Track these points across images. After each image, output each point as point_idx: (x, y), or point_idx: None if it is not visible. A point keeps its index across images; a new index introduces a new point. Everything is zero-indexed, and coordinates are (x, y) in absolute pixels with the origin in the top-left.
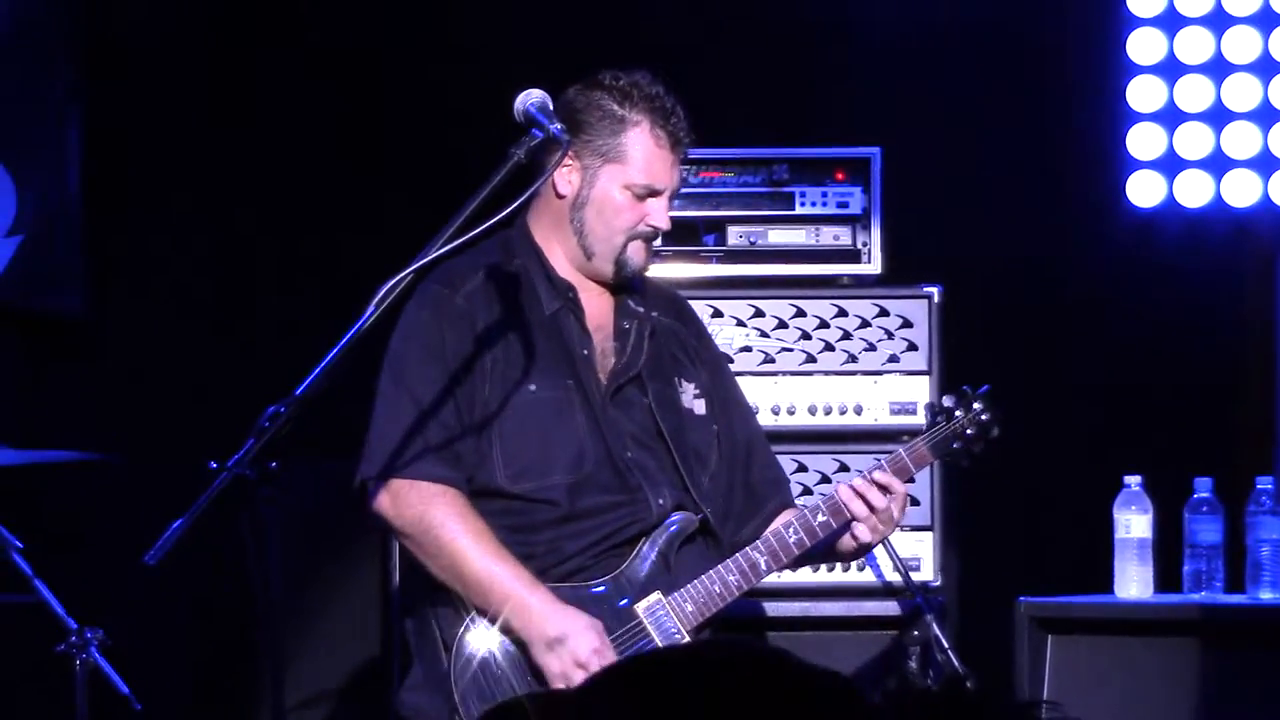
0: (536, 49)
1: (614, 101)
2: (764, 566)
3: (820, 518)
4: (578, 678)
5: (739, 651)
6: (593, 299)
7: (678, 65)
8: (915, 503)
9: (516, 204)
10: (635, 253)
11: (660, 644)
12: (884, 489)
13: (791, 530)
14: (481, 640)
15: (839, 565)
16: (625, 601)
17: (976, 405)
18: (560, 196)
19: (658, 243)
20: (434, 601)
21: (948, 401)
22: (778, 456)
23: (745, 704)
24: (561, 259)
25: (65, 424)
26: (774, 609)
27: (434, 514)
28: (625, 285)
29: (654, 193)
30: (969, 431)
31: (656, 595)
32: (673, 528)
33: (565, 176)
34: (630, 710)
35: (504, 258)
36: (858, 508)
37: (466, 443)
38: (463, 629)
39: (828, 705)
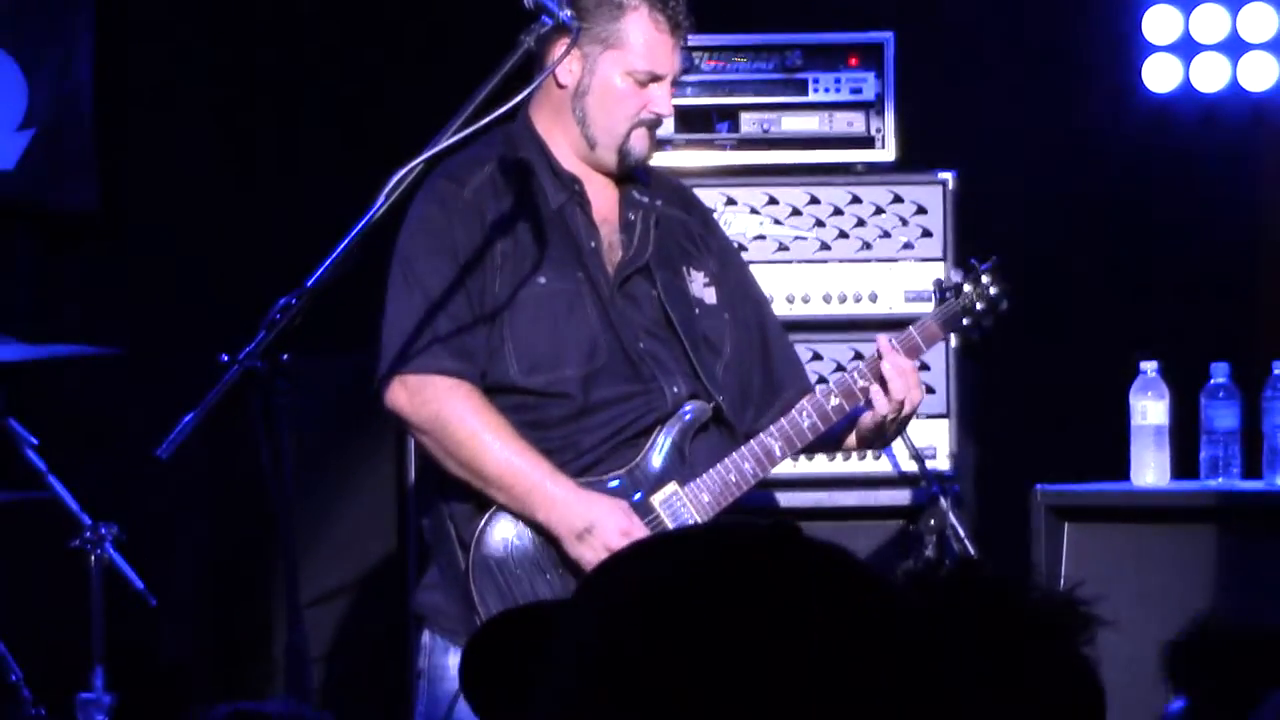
0: None
1: None
2: (779, 453)
3: (834, 400)
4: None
5: (761, 530)
6: (598, 191)
7: None
8: (930, 391)
9: (523, 95)
10: (638, 140)
11: None
12: (896, 368)
13: (805, 415)
14: (499, 538)
15: (854, 455)
16: (639, 495)
17: (985, 279)
18: (561, 86)
19: (670, 130)
20: (450, 498)
21: (955, 277)
22: (794, 345)
23: (769, 587)
24: (565, 151)
25: (78, 318)
26: (788, 499)
27: (450, 409)
28: (630, 176)
29: (655, 78)
30: (978, 306)
31: (673, 486)
32: (687, 416)
33: (566, 66)
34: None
35: (508, 151)
36: (873, 390)
37: (479, 337)
38: (480, 527)
39: (852, 587)
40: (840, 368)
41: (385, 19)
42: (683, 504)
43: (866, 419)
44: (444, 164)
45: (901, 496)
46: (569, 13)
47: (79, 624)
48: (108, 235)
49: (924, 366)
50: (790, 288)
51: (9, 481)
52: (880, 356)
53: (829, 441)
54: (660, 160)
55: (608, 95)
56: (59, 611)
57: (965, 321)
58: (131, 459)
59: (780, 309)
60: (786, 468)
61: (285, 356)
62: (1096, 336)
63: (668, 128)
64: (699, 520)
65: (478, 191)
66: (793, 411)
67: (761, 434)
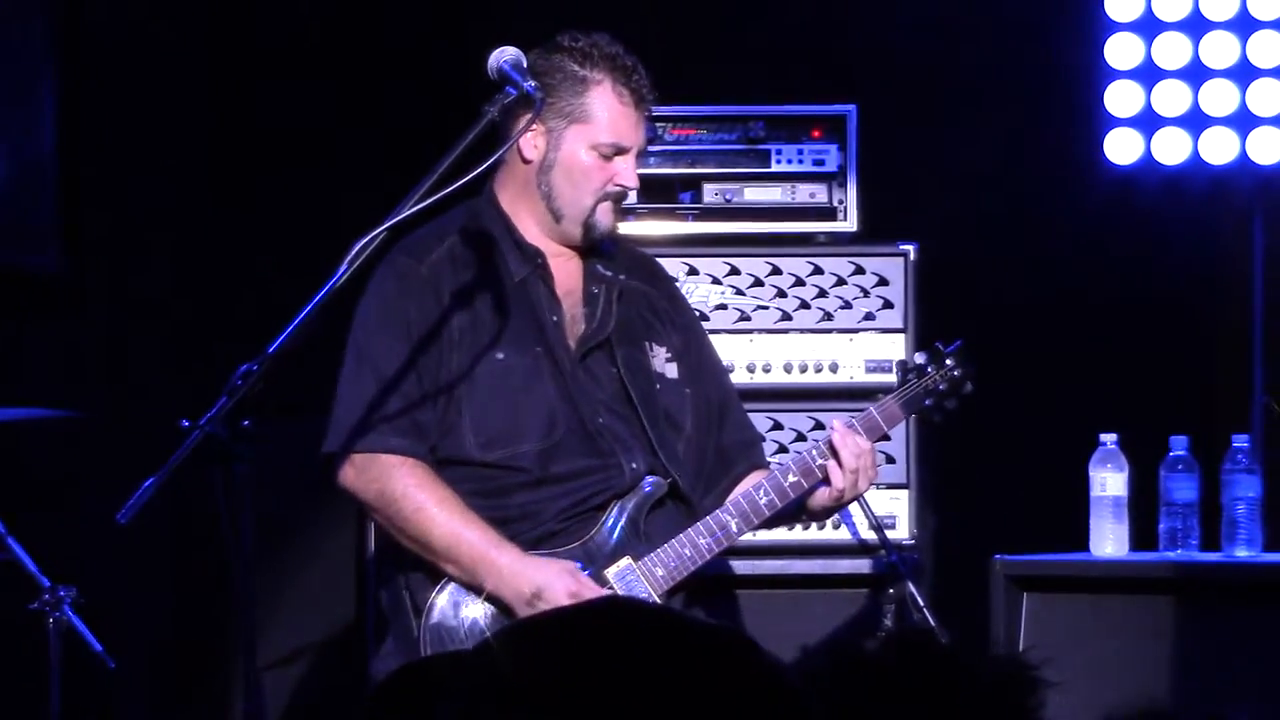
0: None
1: (574, 62)
2: (735, 529)
3: (791, 478)
4: None
5: (641, 611)
6: (561, 264)
7: (652, 22)
8: (891, 460)
9: (484, 166)
10: (604, 214)
11: None
12: (853, 448)
13: (762, 492)
14: (451, 606)
15: (814, 524)
16: (591, 570)
17: (949, 361)
18: (527, 161)
19: (633, 200)
20: (406, 568)
21: (919, 358)
22: (753, 414)
23: (646, 660)
24: (529, 225)
25: (40, 382)
26: (748, 567)
27: (395, 485)
28: (594, 248)
29: (620, 151)
30: (941, 387)
31: (627, 560)
32: (645, 490)
33: (530, 141)
34: (536, 666)
35: (471, 225)
36: (829, 467)
37: (430, 413)
38: (433, 595)
39: (729, 661)
40: (801, 437)
41: (347, 88)
42: (636, 578)
43: (822, 495)
44: (403, 239)
45: (861, 565)
46: (533, 83)
47: (37, 686)
48: (69, 299)
49: (884, 436)
50: (751, 357)
51: None
52: (834, 441)
53: (784, 517)
54: (623, 229)
55: (573, 169)
56: (17, 674)
57: (928, 403)
58: (91, 523)
59: (741, 378)
60: (747, 535)
61: (246, 422)
62: (1057, 408)
63: (630, 197)
64: (653, 593)
65: (435, 267)
66: (749, 488)
67: (718, 510)
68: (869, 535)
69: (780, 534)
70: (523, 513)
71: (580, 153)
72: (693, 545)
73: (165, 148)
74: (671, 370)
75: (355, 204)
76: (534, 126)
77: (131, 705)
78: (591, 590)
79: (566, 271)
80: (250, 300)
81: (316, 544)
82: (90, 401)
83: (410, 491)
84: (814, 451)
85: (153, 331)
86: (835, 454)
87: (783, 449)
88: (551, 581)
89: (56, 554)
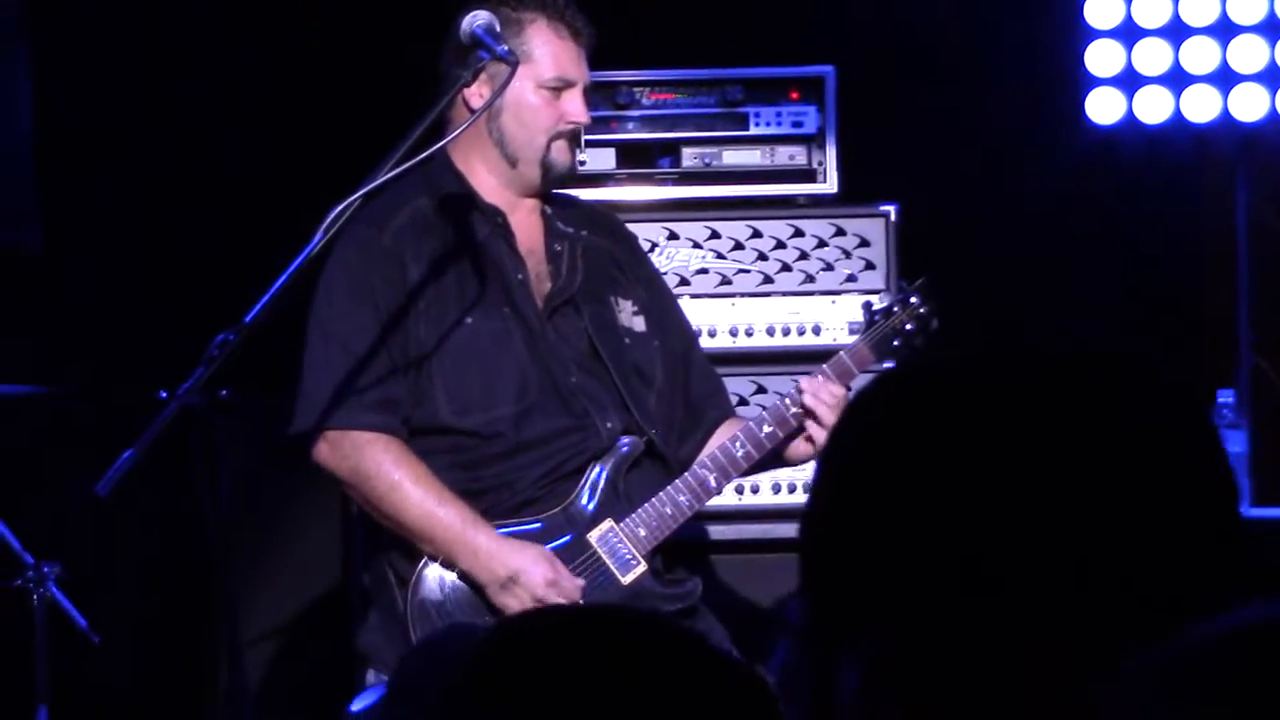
0: None
1: (508, 7)
2: (714, 483)
3: (766, 429)
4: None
5: (659, 627)
6: (522, 220)
7: None
8: None
9: (454, 134)
10: (560, 153)
11: (615, 571)
12: (825, 396)
13: (739, 444)
14: (436, 580)
15: (801, 487)
16: (572, 536)
17: (914, 299)
18: (472, 111)
19: (612, 165)
20: (388, 543)
21: (884, 299)
22: (737, 379)
23: (658, 684)
24: (487, 180)
25: (19, 359)
26: (734, 532)
27: (368, 463)
28: (555, 205)
29: (567, 84)
30: (908, 326)
31: (609, 522)
32: (622, 451)
33: (475, 91)
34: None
35: (429, 190)
36: (808, 407)
37: (400, 385)
38: (418, 569)
39: (738, 698)
40: None
41: (315, 62)
42: (619, 539)
43: (799, 445)
44: (363, 209)
45: None
46: (506, 47)
47: (22, 663)
48: (48, 277)
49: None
50: (733, 321)
51: None
52: (804, 388)
53: (762, 466)
54: (602, 195)
55: (522, 110)
56: (2, 651)
57: (896, 343)
58: (71, 497)
59: (723, 342)
60: (730, 500)
61: (224, 392)
62: None
63: (609, 162)
64: (636, 554)
65: (397, 235)
66: (726, 442)
67: (696, 466)
68: None
69: (766, 498)
70: (501, 481)
71: (528, 93)
72: (673, 503)
73: (137, 129)
74: (639, 324)
75: (329, 173)
76: (482, 73)
77: (117, 680)
78: (567, 578)
79: (528, 229)
80: (225, 272)
81: (301, 515)
82: (69, 377)
83: (384, 468)
84: (787, 400)
85: (130, 306)
86: (806, 408)
87: (763, 408)
88: (528, 567)
89: (38, 530)
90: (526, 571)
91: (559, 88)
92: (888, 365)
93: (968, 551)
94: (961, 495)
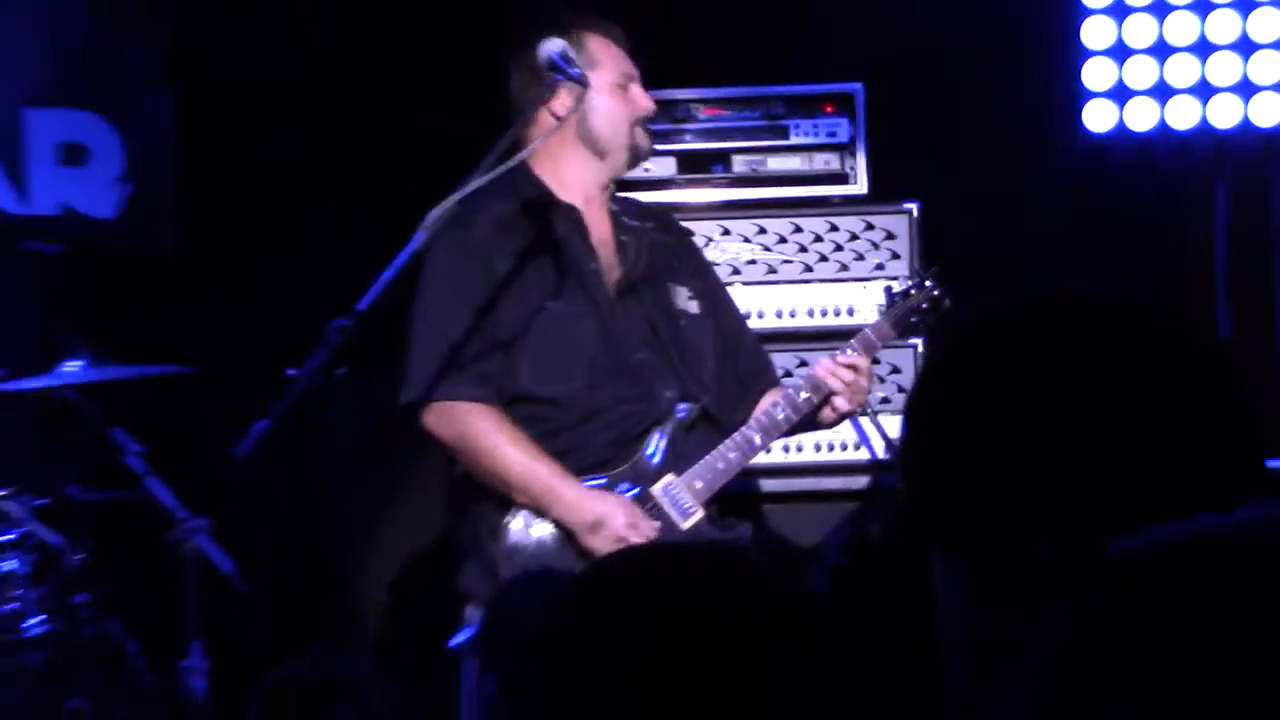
0: None
1: (569, 32)
2: (759, 442)
3: (803, 395)
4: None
5: (728, 559)
6: (595, 217)
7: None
8: (901, 390)
9: (536, 144)
10: (640, 137)
11: (676, 518)
12: (854, 365)
13: (779, 409)
14: (522, 529)
15: (839, 445)
16: (639, 489)
17: (928, 284)
18: (559, 119)
19: (673, 171)
20: (481, 498)
21: (903, 284)
22: (781, 354)
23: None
24: (565, 181)
25: (167, 344)
26: (780, 485)
27: (472, 428)
28: (623, 206)
29: (630, 80)
30: (923, 305)
31: (670, 476)
32: (679, 416)
33: (557, 105)
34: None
35: (512, 194)
36: (834, 383)
37: (493, 362)
38: (507, 519)
39: (793, 613)
40: None
41: (414, 90)
42: (679, 491)
43: (826, 411)
44: (456, 213)
45: (881, 480)
46: (578, 69)
47: (179, 604)
48: (187, 274)
49: (896, 370)
50: (778, 304)
51: (112, 483)
52: (840, 361)
53: (800, 427)
54: (664, 197)
55: (606, 110)
56: (162, 594)
57: (913, 319)
58: (216, 462)
59: (769, 322)
60: (777, 457)
61: (341, 370)
62: None
63: (670, 169)
64: (695, 503)
65: (484, 235)
66: (769, 406)
67: (744, 427)
68: (883, 454)
69: (810, 455)
70: (576, 444)
71: (605, 95)
72: (724, 459)
73: (262, 146)
74: (694, 307)
75: (428, 182)
76: (560, 90)
77: (257, 618)
78: (644, 521)
79: (599, 225)
80: (342, 265)
81: (407, 476)
82: (210, 358)
83: (486, 433)
84: (824, 366)
85: (259, 295)
86: (842, 371)
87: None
88: (611, 512)
89: (191, 490)
90: (610, 516)
91: (624, 84)
92: (913, 340)
93: (1031, 471)
94: (1025, 420)
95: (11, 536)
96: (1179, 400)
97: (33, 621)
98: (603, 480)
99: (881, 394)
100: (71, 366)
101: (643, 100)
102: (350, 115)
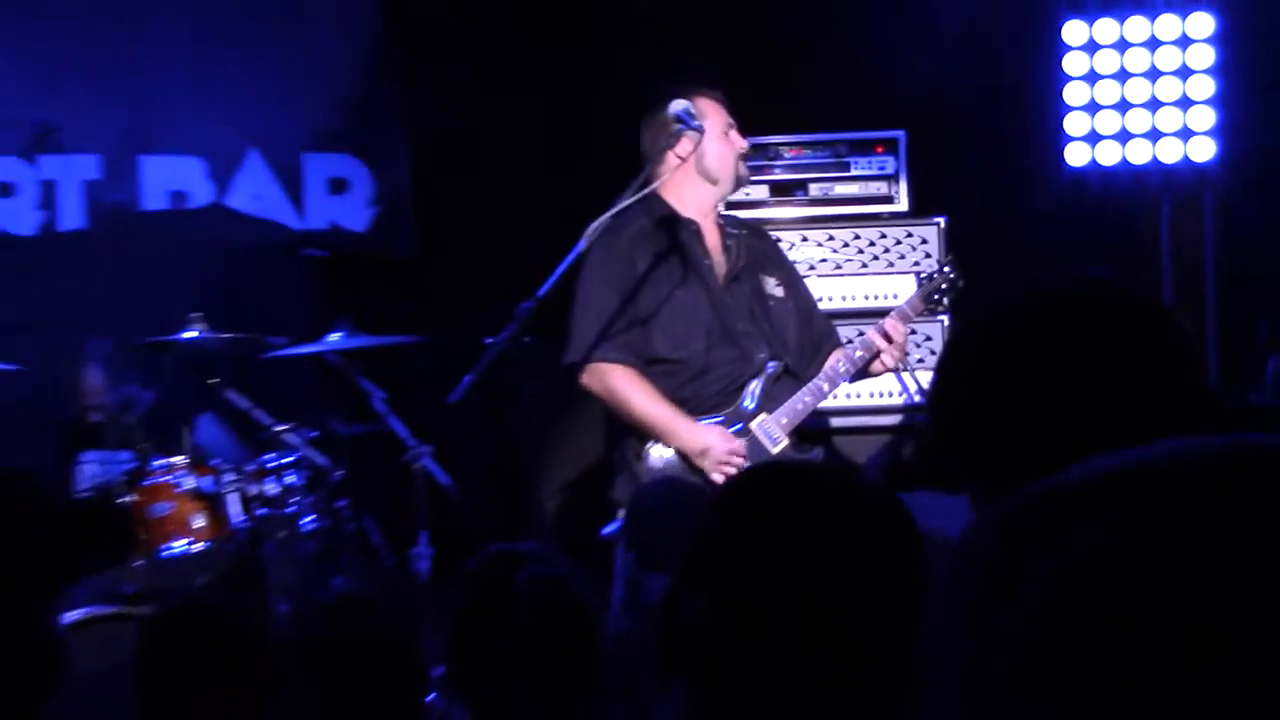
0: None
1: (688, 95)
2: (827, 389)
3: (858, 354)
4: (722, 471)
5: (824, 471)
6: (708, 229)
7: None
8: (933, 354)
9: (663, 178)
10: (742, 169)
11: (768, 446)
12: (894, 332)
13: (841, 364)
14: (656, 456)
15: (884, 393)
16: (740, 425)
17: (946, 269)
18: (682, 159)
19: (767, 195)
20: (627, 435)
21: (929, 270)
22: (843, 326)
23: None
24: (686, 203)
25: (407, 320)
26: (843, 421)
27: (616, 382)
28: (727, 220)
29: (731, 127)
30: (944, 285)
31: (763, 415)
32: (769, 371)
33: (682, 148)
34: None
35: (648, 212)
36: (881, 344)
37: (633, 334)
38: (645, 447)
39: (886, 509)
40: None
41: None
42: (770, 425)
43: (876, 364)
44: (608, 226)
45: (915, 419)
46: (698, 122)
47: (410, 507)
48: (420, 272)
49: (928, 338)
50: (843, 291)
51: (362, 420)
52: (883, 327)
53: (856, 378)
54: (759, 214)
55: (716, 150)
56: (398, 500)
57: (936, 296)
58: (437, 405)
59: (836, 305)
60: (841, 401)
61: (527, 339)
62: None
63: (764, 194)
64: (782, 434)
65: (629, 241)
66: (833, 362)
67: (815, 378)
68: (917, 400)
69: (867, 402)
70: (695, 393)
71: (717, 140)
72: (802, 401)
73: (478, 175)
74: (779, 292)
75: (590, 202)
76: (683, 138)
77: (468, 516)
78: (740, 447)
79: (711, 234)
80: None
81: (575, 418)
82: (433, 330)
83: (625, 386)
84: (872, 333)
85: (473, 285)
86: (885, 336)
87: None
88: (714, 441)
89: (419, 423)
90: (714, 444)
91: (727, 130)
92: (940, 316)
93: (1025, 417)
94: (1021, 379)
95: (292, 459)
96: (1129, 358)
97: (307, 520)
98: (718, 419)
99: (917, 356)
100: (334, 337)
101: (740, 141)
102: (526, 155)
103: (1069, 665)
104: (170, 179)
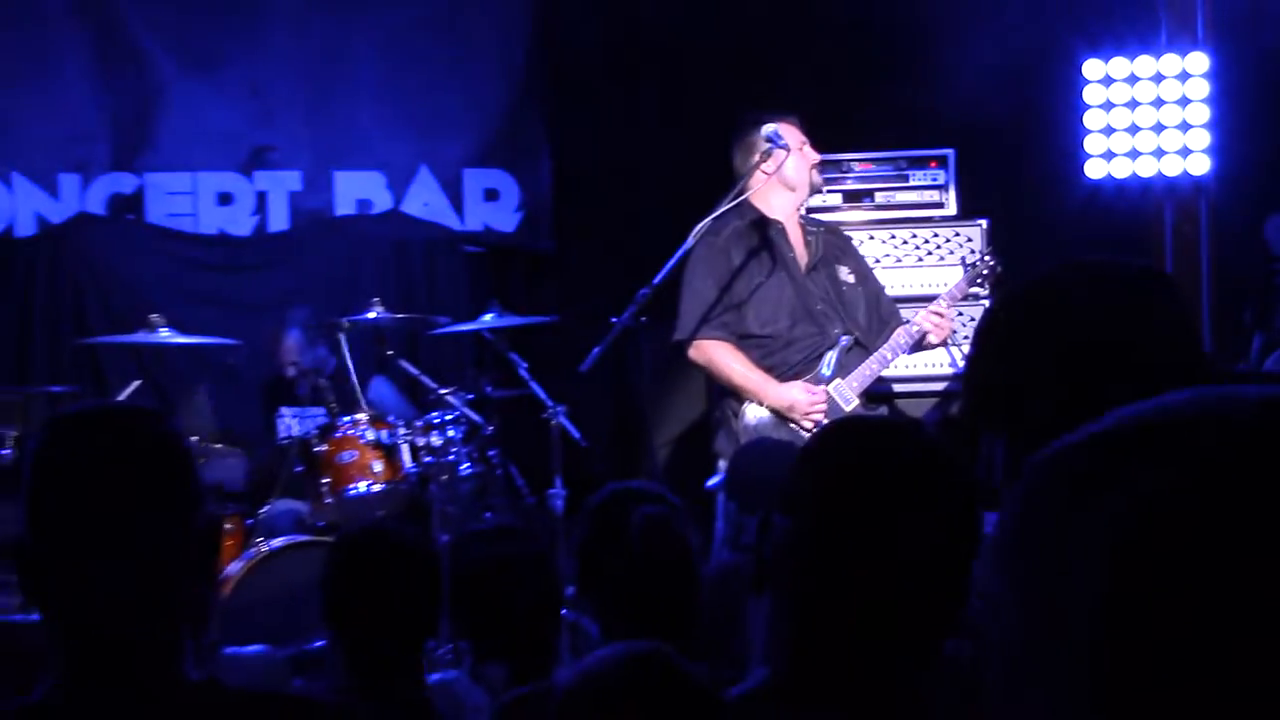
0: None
1: (773, 121)
2: (890, 358)
3: (915, 329)
4: (809, 419)
5: (898, 422)
6: (791, 229)
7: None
8: None
9: (756, 188)
10: (816, 178)
11: (842, 404)
12: (943, 312)
13: (901, 338)
14: (752, 415)
15: (935, 363)
16: (819, 389)
17: (986, 257)
18: (766, 174)
19: (841, 202)
20: (728, 396)
21: (972, 257)
22: (903, 308)
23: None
24: (773, 208)
25: (547, 303)
26: (903, 386)
27: (716, 356)
28: (807, 221)
29: (805, 143)
30: (984, 271)
31: (838, 379)
32: (842, 343)
33: (770, 164)
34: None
35: (740, 216)
36: (933, 321)
37: (730, 315)
38: (742, 407)
39: (950, 460)
40: None
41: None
42: (844, 389)
43: (929, 339)
44: (710, 227)
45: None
46: (784, 142)
47: (547, 456)
48: (559, 265)
49: (973, 319)
50: (903, 281)
51: (510, 385)
52: (934, 308)
53: (914, 350)
54: (834, 217)
55: (796, 163)
56: (538, 451)
57: (979, 280)
58: (571, 372)
59: (897, 291)
60: (901, 371)
61: (644, 319)
62: None
63: (838, 201)
64: (852, 397)
65: (726, 241)
66: (895, 336)
67: (880, 349)
68: (962, 369)
69: (920, 371)
70: (781, 361)
71: (796, 154)
72: (870, 369)
73: (609, 182)
74: (851, 280)
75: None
76: (773, 155)
77: (594, 463)
78: (821, 402)
79: (794, 232)
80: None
81: (683, 385)
82: (568, 312)
83: (724, 357)
84: (924, 313)
85: (599, 275)
86: (938, 315)
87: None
88: (799, 397)
89: (555, 387)
90: (798, 399)
91: (802, 147)
92: (983, 300)
93: (1054, 382)
94: (1042, 347)
95: (452, 416)
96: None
97: (464, 466)
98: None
99: (964, 333)
100: (487, 317)
101: (814, 155)
102: (646, 172)
103: (1148, 602)
104: (357, 189)
